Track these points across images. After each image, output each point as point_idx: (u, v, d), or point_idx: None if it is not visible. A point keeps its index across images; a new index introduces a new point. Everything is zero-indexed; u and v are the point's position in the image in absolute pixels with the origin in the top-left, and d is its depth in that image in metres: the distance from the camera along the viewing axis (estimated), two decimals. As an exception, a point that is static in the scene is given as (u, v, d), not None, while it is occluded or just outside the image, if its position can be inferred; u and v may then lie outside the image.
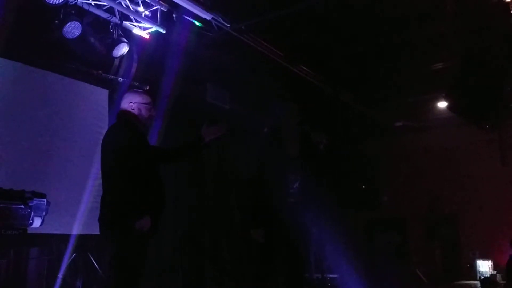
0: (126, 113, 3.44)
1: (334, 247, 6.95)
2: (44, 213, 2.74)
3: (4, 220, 2.50)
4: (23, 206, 2.60)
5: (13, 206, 2.56)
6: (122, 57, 5.80)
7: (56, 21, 4.96)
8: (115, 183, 3.17)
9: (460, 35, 6.04)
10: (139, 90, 3.67)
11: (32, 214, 2.65)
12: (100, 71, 5.74)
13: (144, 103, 3.46)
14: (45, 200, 2.78)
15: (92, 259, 5.30)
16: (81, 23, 4.96)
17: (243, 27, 6.19)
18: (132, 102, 3.44)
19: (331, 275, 6.89)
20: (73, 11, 4.90)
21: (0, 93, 4.80)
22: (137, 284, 3.20)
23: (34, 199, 2.68)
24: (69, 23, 4.83)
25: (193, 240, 7.06)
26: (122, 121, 3.46)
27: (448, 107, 6.42)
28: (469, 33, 5.72)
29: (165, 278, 6.36)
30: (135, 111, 3.43)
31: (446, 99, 6.65)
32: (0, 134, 4.85)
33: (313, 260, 6.28)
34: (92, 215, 5.31)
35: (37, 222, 2.71)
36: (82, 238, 5.16)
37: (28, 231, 2.99)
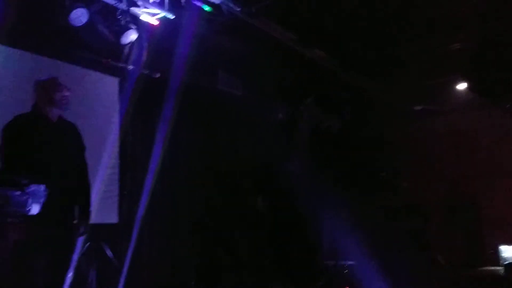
0: None
1: (350, 233, 6.82)
2: (42, 199, 2.70)
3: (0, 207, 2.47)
4: (19, 193, 2.56)
5: (9, 192, 2.53)
6: (132, 44, 5.72)
7: (62, 9, 4.91)
8: None
9: (481, 14, 5.79)
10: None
11: (30, 200, 2.61)
12: (110, 59, 5.67)
13: None
14: (43, 186, 2.74)
15: (106, 249, 5.28)
16: (88, 9, 4.89)
17: (253, 10, 6.05)
18: None
19: (347, 262, 6.77)
20: (79, -2, 4.83)
21: (7, 83, 4.76)
22: None
23: (31, 185, 2.64)
24: (75, 10, 4.77)
25: (207, 229, 7.01)
26: None
27: (468, 87, 6.20)
28: (490, 12, 5.48)
29: (179, 269, 6.32)
30: None
31: (465, 79, 6.43)
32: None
33: (328, 247, 6.16)
34: (105, 204, 5.31)
35: (35, 209, 2.67)
36: (94, 227, 5.14)
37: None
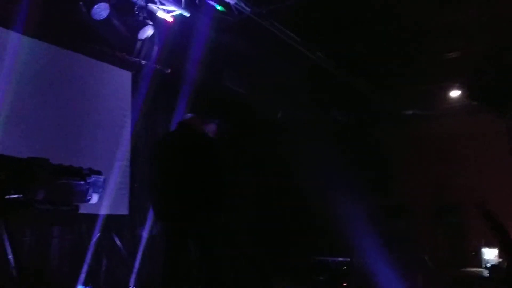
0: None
1: (344, 231, 7.03)
2: (101, 189, 2.80)
3: (65, 195, 2.55)
4: (83, 182, 2.66)
5: (74, 182, 2.62)
6: (144, 39, 5.80)
7: (81, 2, 4.97)
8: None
9: (483, 23, 6.05)
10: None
11: (91, 190, 2.72)
12: (124, 53, 5.73)
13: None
14: (102, 177, 2.84)
15: (116, 239, 5.37)
16: (109, 4, 4.96)
17: (263, 11, 6.18)
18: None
19: (345, 259, 6.99)
20: (100, -8, 4.89)
21: (29, 72, 4.80)
22: None
23: (92, 175, 2.74)
24: (98, 5, 4.83)
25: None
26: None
27: (467, 95, 6.47)
28: (492, 22, 5.74)
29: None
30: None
31: (464, 87, 6.69)
32: (27, 111, 4.86)
33: (329, 243, 6.36)
34: (118, 195, 5.38)
35: (95, 198, 2.78)
36: (107, 218, 5.22)
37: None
